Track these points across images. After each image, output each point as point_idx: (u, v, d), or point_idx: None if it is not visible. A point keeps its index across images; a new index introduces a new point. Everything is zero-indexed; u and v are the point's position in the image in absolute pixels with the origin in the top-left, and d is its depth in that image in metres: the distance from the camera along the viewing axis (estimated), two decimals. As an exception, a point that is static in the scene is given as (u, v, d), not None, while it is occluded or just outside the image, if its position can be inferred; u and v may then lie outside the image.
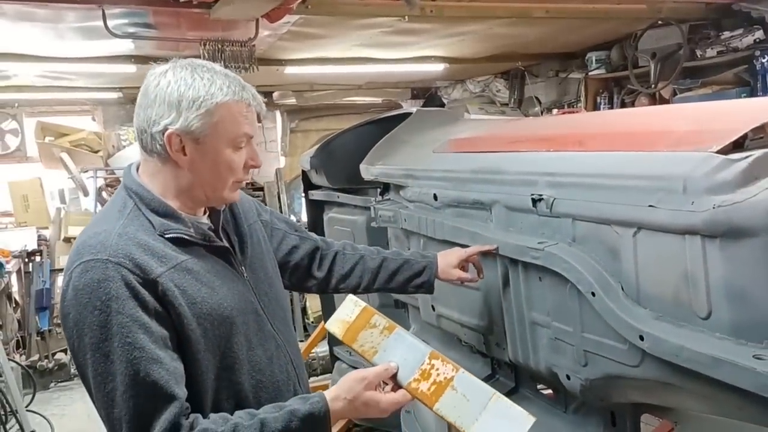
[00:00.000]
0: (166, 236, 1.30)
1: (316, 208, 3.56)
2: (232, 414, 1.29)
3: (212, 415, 1.26)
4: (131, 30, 3.84)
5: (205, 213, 1.45)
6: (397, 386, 1.39)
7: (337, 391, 1.34)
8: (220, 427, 1.22)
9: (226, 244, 1.43)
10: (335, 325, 1.52)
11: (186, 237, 1.33)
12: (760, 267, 1.15)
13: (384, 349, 1.45)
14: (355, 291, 1.80)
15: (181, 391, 1.23)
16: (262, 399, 1.36)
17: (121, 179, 5.65)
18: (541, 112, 6.09)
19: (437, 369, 1.39)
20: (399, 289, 1.85)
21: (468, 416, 1.33)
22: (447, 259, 1.82)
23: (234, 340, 1.35)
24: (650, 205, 1.29)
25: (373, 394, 1.34)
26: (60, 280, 6.02)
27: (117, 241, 1.25)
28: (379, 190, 2.68)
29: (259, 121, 1.41)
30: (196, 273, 1.31)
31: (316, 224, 3.58)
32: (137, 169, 1.40)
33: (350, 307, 1.53)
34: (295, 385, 1.48)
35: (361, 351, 1.47)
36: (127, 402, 1.18)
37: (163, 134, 1.29)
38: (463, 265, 1.81)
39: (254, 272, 1.49)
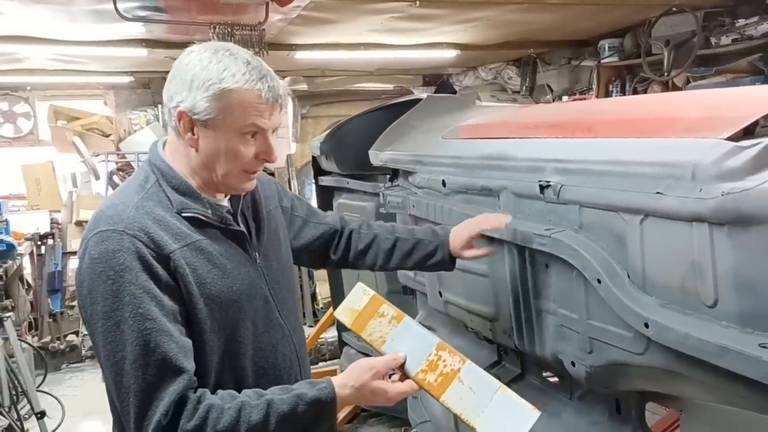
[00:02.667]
0: (183, 215, 1.32)
1: (326, 194, 3.56)
2: None
3: (220, 392, 1.28)
4: (142, 13, 3.85)
5: (225, 195, 1.45)
6: (404, 376, 1.40)
7: (346, 379, 1.34)
8: (227, 404, 1.24)
9: (243, 229, 1.43)
10: (344, 313, 1.54)
11: (202, 217, 1.33)
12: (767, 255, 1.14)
13: (392, 339, 1.46)
14: (371, 269, 1.84)
15: (190, 365, 1.24)
16: (262, 385, 1.36)
17: (132, 163, 5.63)
18: (553, 100, 6.04)
19: (444, 360, 1.40)
20: (416, 268, 1.84)
21: (474, 408, 1.34)
22: (458, 238, 1.77)
23: (240, 325, 1.36)
24: (658, 192, 1.28)
25: (381, 383, 1.35)
26: (72, 262, 6.09)
27: (133, 214, 1.26)
28: (388, 176, 2.68)
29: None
30: (209, 254, 1.32)
31: (326, 210, 3.59)
32: (163, 146, 1.42)
33: (359, 295, 1.54)
34: (297, 375, 1.49)
35: (369, 340, 1.49)
36: (136, 371, 1.20)
37: (175, 110, 1.30)
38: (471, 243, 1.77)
39: (267, 259, 1.49)
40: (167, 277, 1.25)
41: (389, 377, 1.39)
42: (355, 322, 1.51)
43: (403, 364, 1.41)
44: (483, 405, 1.34)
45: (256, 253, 1.46)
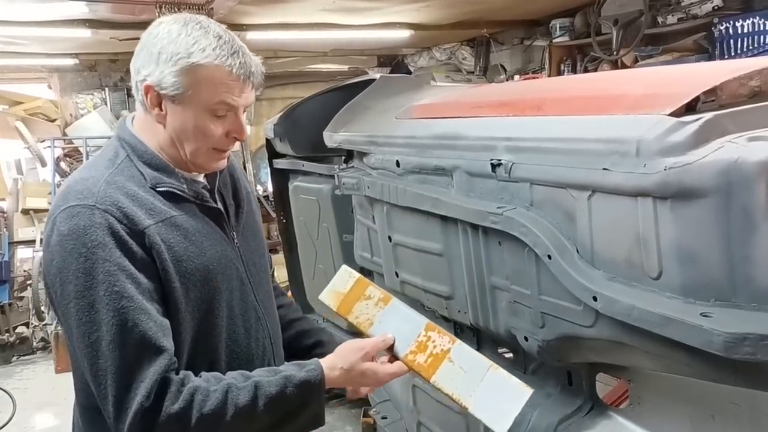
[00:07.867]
0: (158, 189, 1.27)
1: (281, 177, 3.52)
2: None
3: (204, 374, 1.23)
4: (84, -8, 3.71)
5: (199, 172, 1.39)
6: (393, 357, 1.38)
7: (334, 360, 1.32)
8: (212, 386, 1.19)
9: (220, 207, 1.38)
10: (329, 296, 1.50)
11: (178, 192, 1.29)
12: (708, 227, 1.17)
13: (379, 321, 1.43)
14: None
15: (169, 344, 1.19)
16: (234, 369, 1.31)
17: (80, 149, 5.41)
18: (507, 80, 6.09)
19: (434, 341, 1.38)
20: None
21: (465, 389, 1.32)
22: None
23: (215, 305, 1.31)
24: (604, 168, 1.30)
25: (371, 364, 1.33)
26: (19, 252, 5.90)
27: (105, 188, 1.21)
28: (343, 157, 2.66)
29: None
30: (185, 230, 1.27)
31: (281, 193, 3.55)
32: (132, 121, 1.36)
33: (345, 278, 1.50)
34: (270, 360, 1.43)
35: (356, 323, 1.46)
36: (113, 352, 1.14)
37: (142, 84, 1.25)
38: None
39: (245, 240, 1.44)
40: (142, 253, 1.19)
41: (378, 359, 1.36)
42: (341, 305, 1.48)
43: (392, 345, 1.38)
44: (474, 385, 1.32)
45: (234, 233, 1.40)
